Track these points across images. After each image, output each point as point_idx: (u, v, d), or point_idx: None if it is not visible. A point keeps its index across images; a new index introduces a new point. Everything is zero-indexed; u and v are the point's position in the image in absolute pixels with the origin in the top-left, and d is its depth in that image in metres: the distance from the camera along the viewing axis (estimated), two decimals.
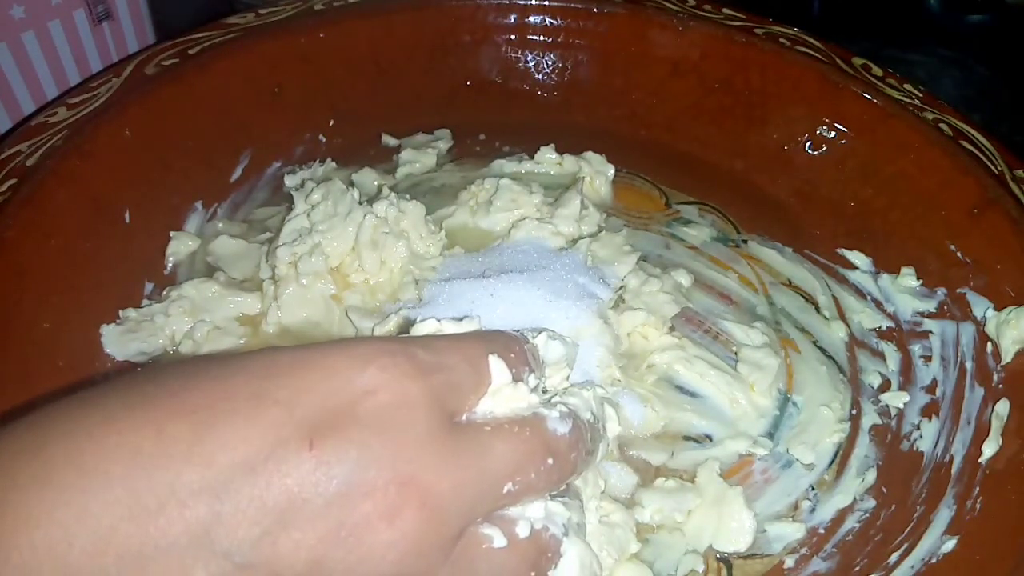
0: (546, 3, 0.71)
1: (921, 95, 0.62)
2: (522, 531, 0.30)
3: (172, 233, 0.58)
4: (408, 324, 0.43)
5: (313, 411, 0.26)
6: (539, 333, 0.35)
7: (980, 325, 0.52)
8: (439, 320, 0.34)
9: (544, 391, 0.34)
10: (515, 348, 0.32)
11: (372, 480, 0.26)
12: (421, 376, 0.28)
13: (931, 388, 0.52)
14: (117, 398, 0.27)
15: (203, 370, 0.28)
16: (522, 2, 0.71)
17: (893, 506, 0.46)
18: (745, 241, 0.62)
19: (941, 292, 0.55)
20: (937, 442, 0.49)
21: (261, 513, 0.25)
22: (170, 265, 0.57)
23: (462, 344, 0.31)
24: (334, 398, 0.27)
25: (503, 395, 0.31)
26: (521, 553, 0.30)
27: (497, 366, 0.31)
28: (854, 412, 0.52)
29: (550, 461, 0.30)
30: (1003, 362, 0.49)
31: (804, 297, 0.59)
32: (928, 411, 0.51)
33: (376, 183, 0.64)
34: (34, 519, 0.24)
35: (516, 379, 0.31)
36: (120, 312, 0.52)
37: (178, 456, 0.25)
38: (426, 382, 0.28)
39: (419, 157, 0.66)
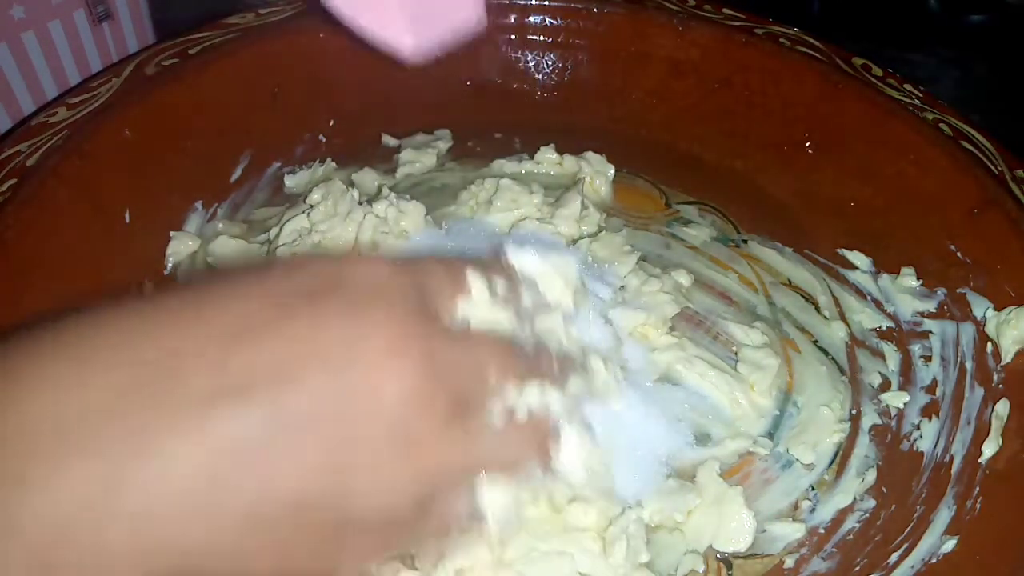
0: (546, 3, 0.71)
1: (921, 95, 0.62)
2: (520, 414, 0.31)
3: (172, 233, 0.58)
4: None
5: (309, 280, 0.28)
6: (522, 249, 0.36)
7: (980, 325, 0.52)
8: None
9: (523, 307, 0.35)
10: (495, 266, 0.34)
11: (377, 320, 0.27)
12: (402, 270, 0.29)
13: (931, 388, 0.52)
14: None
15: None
16: (522, 2, 0.71)
17: (893, 506, 0.46)
18: (745, 241, 0.62)
19: (941, 292, 0.55)
20: (937, 442, 0.49)
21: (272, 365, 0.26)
22: (170, 265, 0.57)
23: (443, 258, 0.33)
24: (326, 271, 0.28)
25: (480, 308, 0.32)
26: (519, 433, 0.31)
27: (474, 277, 0.32)
28: (854, 412, 0.52)
29: (525, 366, 0.32)
30: (1003, 362, 0.49)
31: (804, 297, 0.59)
32: (928, 411, 0.51)
33: (376, 183, 0.64)
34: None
35: (493, 293, 0.32)
36: None
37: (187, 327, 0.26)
38: (407, 274, 0.29)
39: (419, 157, 0.66)
